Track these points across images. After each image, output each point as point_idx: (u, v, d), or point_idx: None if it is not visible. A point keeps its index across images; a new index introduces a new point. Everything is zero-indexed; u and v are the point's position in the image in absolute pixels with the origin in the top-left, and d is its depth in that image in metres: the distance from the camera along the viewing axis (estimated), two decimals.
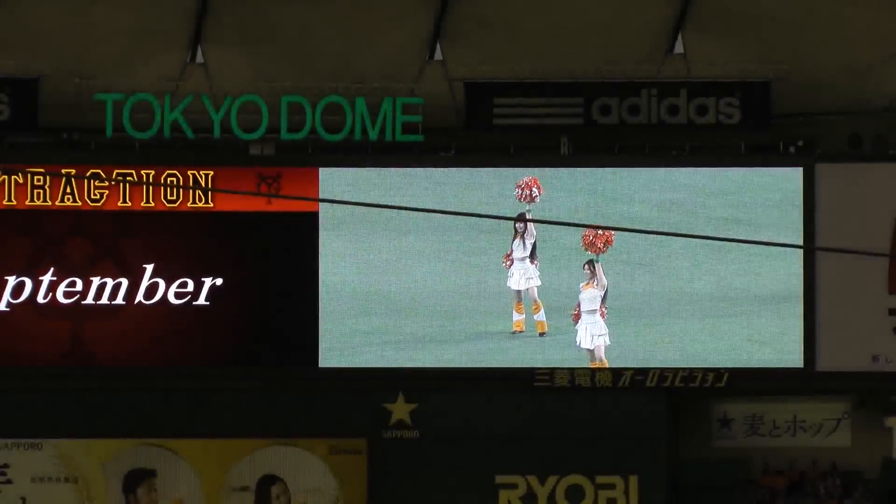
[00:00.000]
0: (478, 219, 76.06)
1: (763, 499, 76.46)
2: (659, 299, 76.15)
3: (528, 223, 76.28)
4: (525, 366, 73.26)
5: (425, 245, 75.86)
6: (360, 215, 75.82)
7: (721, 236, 72.97)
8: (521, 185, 74.17)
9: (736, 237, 72.11)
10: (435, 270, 76.36)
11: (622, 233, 75.63)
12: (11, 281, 71.85)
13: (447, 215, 76.48)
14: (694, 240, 75.42)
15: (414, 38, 75.55)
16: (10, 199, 72.06)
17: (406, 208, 78.68)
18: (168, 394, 72.65)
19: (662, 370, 73.47)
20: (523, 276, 74.80)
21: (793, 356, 72.49)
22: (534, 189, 73.23)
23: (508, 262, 74.14)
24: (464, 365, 74.63)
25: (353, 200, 75.57)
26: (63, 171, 73.18)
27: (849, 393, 74.83)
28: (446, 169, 75.05)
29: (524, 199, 73.71)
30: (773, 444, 76.50)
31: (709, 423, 76.52)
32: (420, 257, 75.96)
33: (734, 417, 76.22)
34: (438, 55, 75.39)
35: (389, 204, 75.43)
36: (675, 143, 74.46)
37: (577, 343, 73.43)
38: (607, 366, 74.33)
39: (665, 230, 76.13)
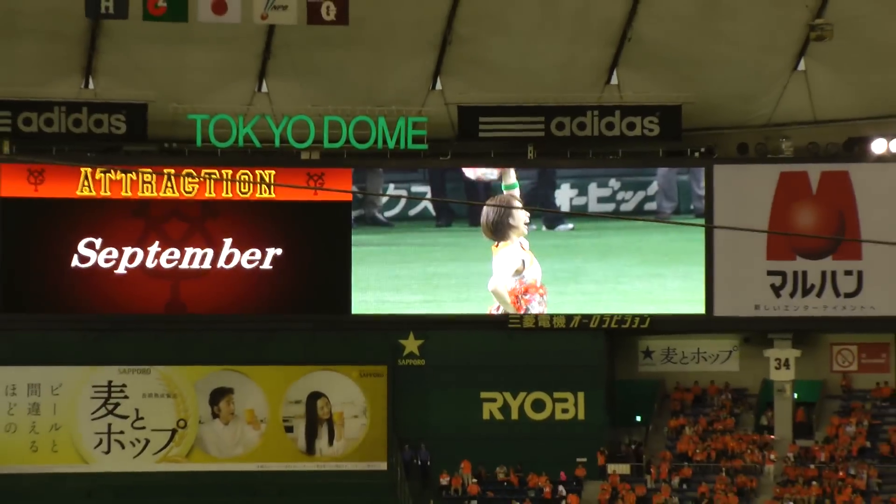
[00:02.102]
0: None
1: (675, 409, 79.53)
2: (602, 267, 78.16)
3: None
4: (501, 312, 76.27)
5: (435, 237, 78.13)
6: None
7: (645, 218, 77.54)
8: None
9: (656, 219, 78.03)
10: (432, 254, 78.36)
11: (579, 218, 78.75)
12: (127, 252, 74.49)
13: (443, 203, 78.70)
14: (625, 221, 77.16)
15: (421, 74, 77.77)
16: (126, 192, 75.28)
17: (416, 198, 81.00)
18: (241, 333, 75.46)
19: (602, 316, 76.69)
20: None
21: (697, 306, 75.84)
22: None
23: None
24: (457, 312, 77.80)
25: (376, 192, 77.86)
26: (164, 170, 75.78)
27: (737, 332, 78.43)
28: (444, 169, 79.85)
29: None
30: (683, 369, 79.81)
31: (635, 353, 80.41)
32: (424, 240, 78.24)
33: (654, 350, 79.93)
34: (439, 86, 77.65)
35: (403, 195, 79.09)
36: (612, 150, 77.25)
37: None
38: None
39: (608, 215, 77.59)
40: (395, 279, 79.39)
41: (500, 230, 78.44)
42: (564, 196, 79.75)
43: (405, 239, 79.68)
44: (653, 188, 79.23)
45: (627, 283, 79.10)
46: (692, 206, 78.54)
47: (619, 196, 78.85)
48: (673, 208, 78.95)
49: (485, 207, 79.57)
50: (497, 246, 78.22)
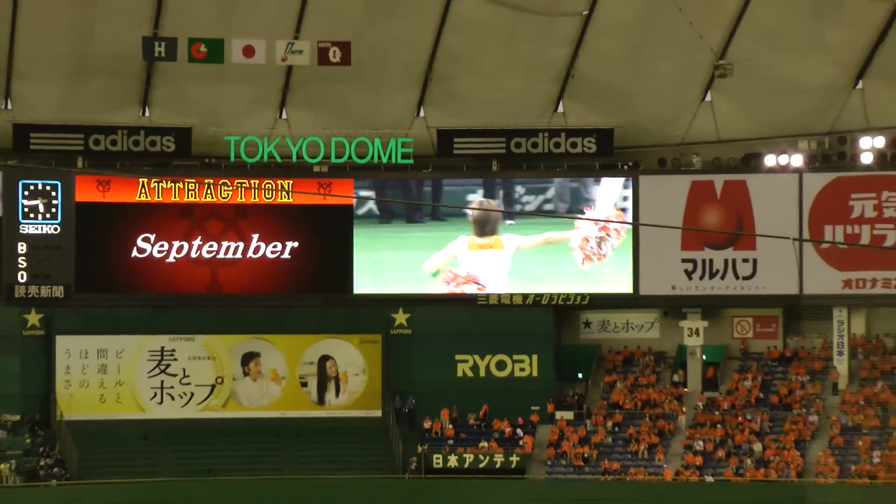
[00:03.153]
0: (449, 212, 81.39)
1: (609, 368, 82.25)
2: (553, 259, 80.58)
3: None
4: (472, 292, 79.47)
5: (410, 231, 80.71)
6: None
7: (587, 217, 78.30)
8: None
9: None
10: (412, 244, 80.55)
11: (531, 217, 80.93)
12: (176, 244, 77.88)
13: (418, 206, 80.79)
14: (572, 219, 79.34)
15: (408, 104, 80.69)
16: (175, 198, 78.44)
17: (403, 202, 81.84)
18: (266, 308, 78.82)
19: (551, 294, 79.94)
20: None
21: (626, 287, 78.89)
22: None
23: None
24: (437, 292, 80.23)
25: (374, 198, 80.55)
26: (205, 180, 78.27)
27: (658, 307, 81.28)
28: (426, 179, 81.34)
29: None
30: (615, 337, 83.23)
31: (578, 324, 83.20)
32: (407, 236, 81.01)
33: (592, 321, 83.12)
34: (422, 114, 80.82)
35: (395, 200, 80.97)
36: (559, 165, 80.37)
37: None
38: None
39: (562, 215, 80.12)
40: (386, 265, 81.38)
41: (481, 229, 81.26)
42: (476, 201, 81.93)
43: (398, 233, 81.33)
44: (550, 192, 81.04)
45: (571, 268, 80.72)
46: (580, 207, 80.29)
47: (524, 199, 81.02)
48: (566, 209, 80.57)
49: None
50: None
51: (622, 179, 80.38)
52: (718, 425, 76.07)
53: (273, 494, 74.24)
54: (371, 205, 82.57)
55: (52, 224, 77.50)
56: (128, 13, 75.82)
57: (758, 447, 74.64)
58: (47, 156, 78.66)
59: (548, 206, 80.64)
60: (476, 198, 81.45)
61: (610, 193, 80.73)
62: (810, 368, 79.58)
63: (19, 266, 76.76)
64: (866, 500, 72.48)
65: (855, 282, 77.80)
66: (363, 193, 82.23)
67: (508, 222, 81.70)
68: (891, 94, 79.17)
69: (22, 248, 76.76)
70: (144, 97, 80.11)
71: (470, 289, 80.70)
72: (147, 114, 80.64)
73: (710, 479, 73.89)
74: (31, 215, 77.29)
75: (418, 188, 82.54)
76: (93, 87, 78.84)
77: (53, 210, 77.50)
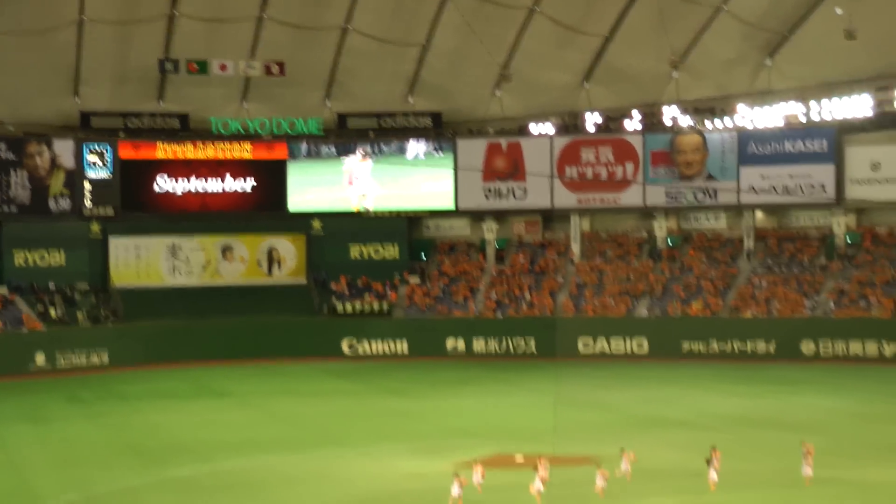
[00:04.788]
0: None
1: (441, 252, 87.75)
2: (403, 184, 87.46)
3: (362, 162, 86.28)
4: None
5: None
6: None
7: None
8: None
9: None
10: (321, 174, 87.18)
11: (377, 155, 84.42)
12: (181, 182, 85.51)
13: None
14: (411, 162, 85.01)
15: (319, 97, 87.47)
16: (180, 155, 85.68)
17: (317, 158, 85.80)
18: (236, 220, 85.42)
19: (406, 210, 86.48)
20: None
21: (450, 203, 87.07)
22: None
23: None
24: (338, 209, 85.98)
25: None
26: (198, 143, 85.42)
27: (469, 216, 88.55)
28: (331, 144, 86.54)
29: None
30: (445, 234, 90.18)
31: (422, 226, 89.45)
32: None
33: (430, 225, 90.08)
34: (328, 104, 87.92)
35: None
36: (410, 134, 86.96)
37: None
38: None
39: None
40: (307, 193, 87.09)
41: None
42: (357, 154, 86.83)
43: (314, 174, 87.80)
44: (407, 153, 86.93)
45: (417, 191, 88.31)
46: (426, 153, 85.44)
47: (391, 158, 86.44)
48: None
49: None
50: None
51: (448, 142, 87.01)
52: (505, 284, 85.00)
53: (243, 329, 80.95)
54: (298, 157, 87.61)
55: (105, 171, 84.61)
56: (150, 42, 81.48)
57: (528, 296, 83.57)
58: (101, 131, 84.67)
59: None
60: (355, 158, 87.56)
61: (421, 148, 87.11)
62: (558, 250, 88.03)
63: (86, 197, 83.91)
64: (592, 325, 79.69)
65: (583, 199, 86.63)
66: (293, 150, 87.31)
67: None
68: (603, 90, 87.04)
69: (88, 185, 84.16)
70: (160, 94, 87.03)
71: (356, 203, 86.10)
72: (162, 104, 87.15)
73: (500, 315, 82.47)
74: (93, 166, 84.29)
75: (328, 149, 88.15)
76: (128, 89, 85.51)
77: (106, 163, 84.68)
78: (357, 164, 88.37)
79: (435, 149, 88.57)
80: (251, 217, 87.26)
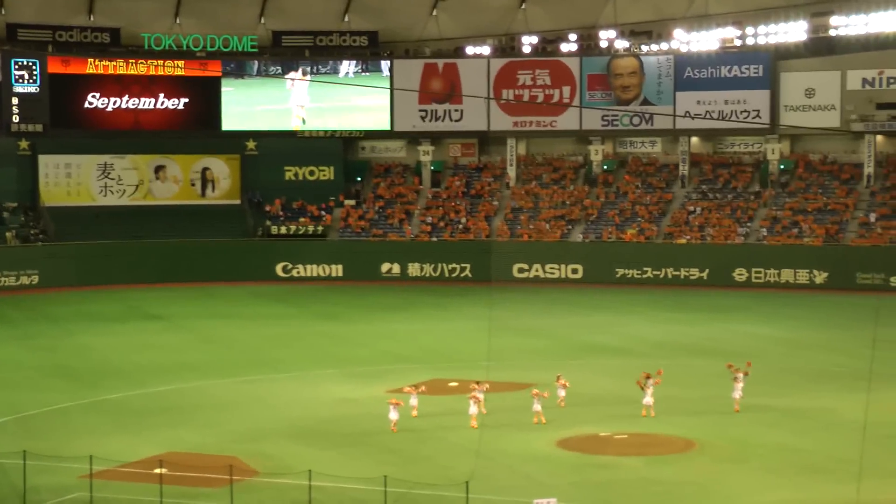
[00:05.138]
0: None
1: (376, 174, 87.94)
2: (338, 105, 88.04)
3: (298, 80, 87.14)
4: None
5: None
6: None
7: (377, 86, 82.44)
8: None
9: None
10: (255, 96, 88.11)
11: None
12: (112, 100, 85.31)
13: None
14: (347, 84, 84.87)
15: (254, 15, 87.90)
16: (111, 71, 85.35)
17: (251, 76, 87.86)
18: (170, 139, 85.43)
19: (340, 130, 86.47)
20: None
21: (386, 124, 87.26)
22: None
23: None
24: (273, 129, 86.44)
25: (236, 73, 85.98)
26: (129, 61, 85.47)
27: (405, 138, 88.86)
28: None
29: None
30: (380, 155, 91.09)
31: (357, 148, 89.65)
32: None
33: (366, 146, 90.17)
34: (263, 21, 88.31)
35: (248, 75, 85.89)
36: (347, 53, 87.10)
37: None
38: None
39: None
40: (241, 112, 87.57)
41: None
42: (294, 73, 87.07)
43: (249, 91, 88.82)
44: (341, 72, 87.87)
45: (352, 111, 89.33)
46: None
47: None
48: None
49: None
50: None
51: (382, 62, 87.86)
52: (440, 208, 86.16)
53: (176, 251, 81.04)
54: (232, 75, 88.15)
55: (33, 86, 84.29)
56: None
57: (464, 220, 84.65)
58: (29, 44, 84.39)
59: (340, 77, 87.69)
60: (296, 74, 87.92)
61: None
62: (494, 174, 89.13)
63: (14, 112, 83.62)
64: (527, 250, 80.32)
65: (519, 122, 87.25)
66: (227, 68, 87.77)
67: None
68: (540, 12, 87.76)
69: (15, 101, 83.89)
70: (90, 7, 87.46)
71: (294, 123, 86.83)
72: (92, 18, 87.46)
73: (435, 239, 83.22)
74: (21, 80, 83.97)
75: (263, 67, 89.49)
76: (57, 1, 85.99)
77: (34, 77, 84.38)
78: (293, 83, 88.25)
79: (370, 69, 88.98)
80: (184, 136, 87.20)
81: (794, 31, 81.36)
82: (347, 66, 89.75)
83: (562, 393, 39.36)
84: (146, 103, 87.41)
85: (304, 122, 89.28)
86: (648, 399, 37.87)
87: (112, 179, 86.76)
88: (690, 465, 32.41)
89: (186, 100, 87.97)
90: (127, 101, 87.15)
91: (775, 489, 29.73)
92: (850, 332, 57.44)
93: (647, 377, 38.48)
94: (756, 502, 28.49)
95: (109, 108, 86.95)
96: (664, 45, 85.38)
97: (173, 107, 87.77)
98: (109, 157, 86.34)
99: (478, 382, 37.83)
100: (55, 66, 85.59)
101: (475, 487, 25.40)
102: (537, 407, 37.11)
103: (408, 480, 28.26)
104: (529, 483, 29.83)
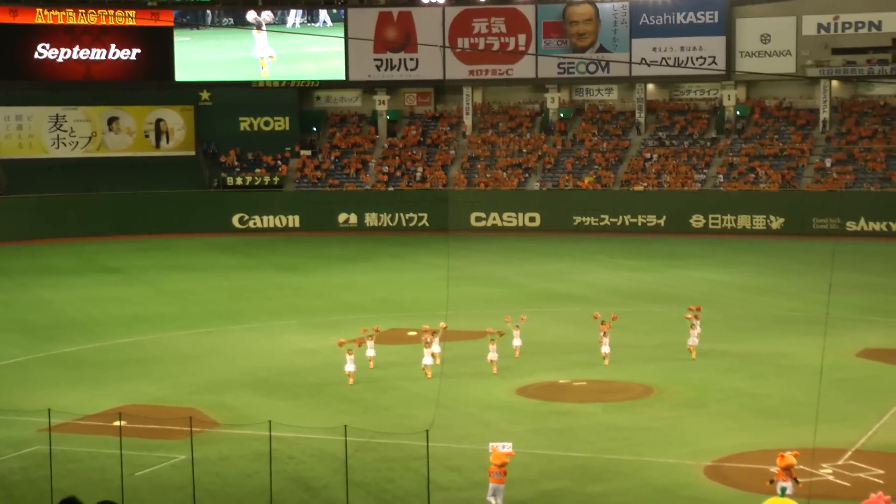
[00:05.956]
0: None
1: (332, 123, 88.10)
2: (297, 56, 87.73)
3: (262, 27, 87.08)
4: None
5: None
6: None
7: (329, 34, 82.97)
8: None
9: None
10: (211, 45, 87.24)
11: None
12: (63, 50, 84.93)
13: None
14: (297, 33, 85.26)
15: None
16: (61, 21, 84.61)
17: (206, 26, 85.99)
18: (123, 90, 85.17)
19: (297, 80, 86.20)
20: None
21: (341, 74, 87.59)
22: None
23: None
24: (232, 79, 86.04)
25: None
26: (79, 10, 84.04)
27: (360, 87, 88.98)
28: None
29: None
30: (336, 105, 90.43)
31: (313, 98, 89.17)
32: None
33: (321, 97, 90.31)
34: None
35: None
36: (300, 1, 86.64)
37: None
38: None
39: None
40: (195, 61, 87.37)
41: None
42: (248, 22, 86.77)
43: (204, 41, 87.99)
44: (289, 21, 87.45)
45: (306, 60, 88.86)
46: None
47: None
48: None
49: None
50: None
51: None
52: (397, 157, 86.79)
53: (131, 203, 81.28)
54: (185, 25, 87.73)
55: None
56: None
57: (421, 170, 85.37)
58: None
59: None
60: (253, 24, 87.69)
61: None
62: (450, 123, 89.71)
63: None
64: (484, 199, 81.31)
65: (475, 71, 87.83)
66: (180, 18, 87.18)
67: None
68: None
69: None
70: None
71: (265, 72, 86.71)
72: None
73: (392, 189, 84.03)
74: None
75: (216, 18, 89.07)
76: None
77: None
78: (260, 30, 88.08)
79: (324, 18, 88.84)
80: (137, 87, 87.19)
81: None
82: (297, 16, 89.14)
83: (519, 342, 39.37)
84: (98, 54, 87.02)
85: (259, 71, 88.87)
86: (606, 348, 38.03)
87: (64, 131, 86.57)
88: (649, 411, 32.79)
89: (139, 50, 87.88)
90: (78, 52, 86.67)
91: (733, 433, 30.16)
92: (806, 277, 57.89)
93: (602, 323, 38.71)
94: (714, 447, 28.85)
95: (60, 59, 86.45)
96: None
97: (125, 57, 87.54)
98: (61, 108, 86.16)
99: (431, 333, 37.79)
100: (3, 16, 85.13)
101: (435, 436, 25.52)
102: (493, 356, 37.20)
103: (368, 430, 28.40)
104: (489, 430, 30.06)
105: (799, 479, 23.59)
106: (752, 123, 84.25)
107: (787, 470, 23.36)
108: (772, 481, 23.58)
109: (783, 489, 22.42)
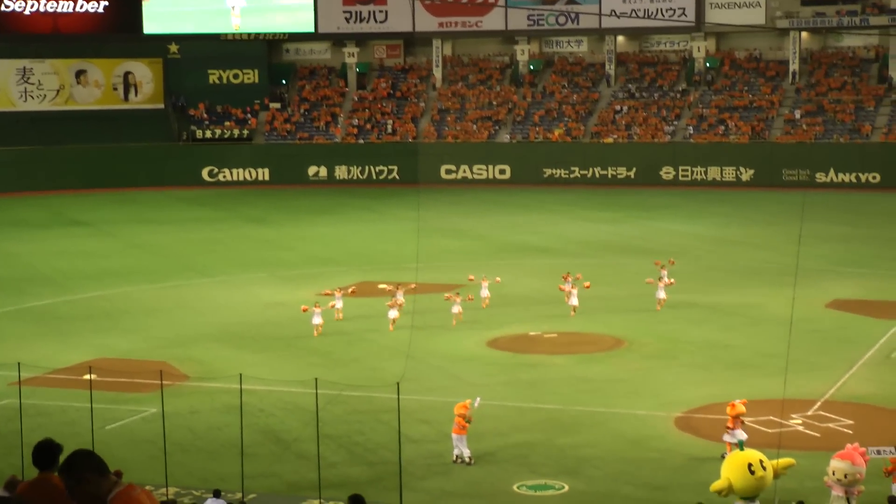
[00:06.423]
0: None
1: (301, 77, 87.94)
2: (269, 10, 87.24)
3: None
4: None
5: None
6: None
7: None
8: None
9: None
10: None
11: None
12: (30, 3, 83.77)
13: None
14: None
15: None
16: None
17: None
18: (91, 43, 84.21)
19: (266, 33, 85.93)
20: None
21: (310, 27, 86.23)
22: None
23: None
24: (202, 31, 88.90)
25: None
26: None
27: (329, 40, 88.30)
28: None
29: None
30: (306, 58, 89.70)
31: (282, 51, 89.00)
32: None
33: (290, 49, 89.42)
34: None
35: None
36: None
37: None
38: None
39: None
40: (163, 13, 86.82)
41: None
42: None
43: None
44: None
45: (275, 12, 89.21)
46: None
47: None
48: None
49: None
50: None
51: None
52: (367, 110, 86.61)
53: (99, 156, 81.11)
54: None
55: None
56: None
57: (391, 122, 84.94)
58: None
59: None
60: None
61: None
62: (420, 75, 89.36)
63: None
64: (454, 151, 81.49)
65: (445, 23, 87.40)
66: None
67: None
68: None
69: None
70: None
71: (236, 22, 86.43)
72: None
73: (361, 141, 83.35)
74: None
75: None
76: None
77: None
78: None
79: None
80: (105, 40, 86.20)
81: None
82: None
83: (487, 293, 39.36)
84: (65, 6, 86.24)
85: (227, 23, 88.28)
86: (574, 300, 38.05)
87: (32, 84, 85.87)
88: (619, 363, 32.83)
89: (106, 3, 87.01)
90: (45, 4, 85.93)
91: (704, 384, 30.22)
92: (775, 228, 58.02)
93: (568, 278, 38.83)
94: (685, 398, 28.88)
95: (27, 12, 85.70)
96: None
97: (93, 10, 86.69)
98: (28, 61, 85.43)
99: (398, 285, 37.87)
100: None
101: (406, 388, 25.26)
102: (457, 309, 37.23)
103: (339, 382, 28.29)
104: (460, 383, 30.06)
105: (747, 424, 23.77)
106: (722, 75, 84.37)
107: (737, 418, 23.61)
108: (728, 428, 23.70)
109: (741, 442, 22.29)
